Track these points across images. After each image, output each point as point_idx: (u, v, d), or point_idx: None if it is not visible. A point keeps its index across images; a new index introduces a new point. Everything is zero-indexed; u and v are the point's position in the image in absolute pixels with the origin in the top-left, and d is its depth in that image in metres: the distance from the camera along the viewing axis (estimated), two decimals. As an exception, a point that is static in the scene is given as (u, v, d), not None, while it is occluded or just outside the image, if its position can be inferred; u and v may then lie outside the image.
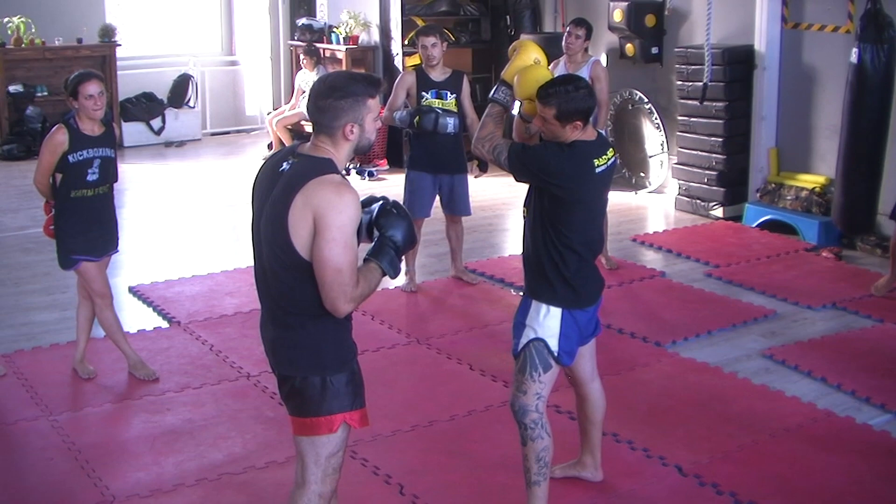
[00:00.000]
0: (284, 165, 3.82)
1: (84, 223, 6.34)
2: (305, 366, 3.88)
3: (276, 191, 3.78)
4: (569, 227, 4.62)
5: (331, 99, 3.78)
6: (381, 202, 4.06)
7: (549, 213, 4.62)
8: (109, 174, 6.42)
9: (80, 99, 6.19)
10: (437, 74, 8.25)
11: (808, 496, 5.22)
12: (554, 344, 4.69)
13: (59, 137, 6.20)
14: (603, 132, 8.56)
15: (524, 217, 4.85)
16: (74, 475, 5.50)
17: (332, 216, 3.64)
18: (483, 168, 8.59)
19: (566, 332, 4.70)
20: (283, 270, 3.79)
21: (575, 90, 4.57)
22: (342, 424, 3.92)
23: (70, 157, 6.19)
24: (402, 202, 8.00)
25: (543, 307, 4.69)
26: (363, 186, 12.31)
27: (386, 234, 3.95)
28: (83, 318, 6.69)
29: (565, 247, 4.65)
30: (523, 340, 4.71)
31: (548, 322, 4.68)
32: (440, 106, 8.13)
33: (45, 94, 14.23)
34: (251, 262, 4.00)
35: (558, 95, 4.57)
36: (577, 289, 4.70)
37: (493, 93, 5.04)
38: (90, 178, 6.28)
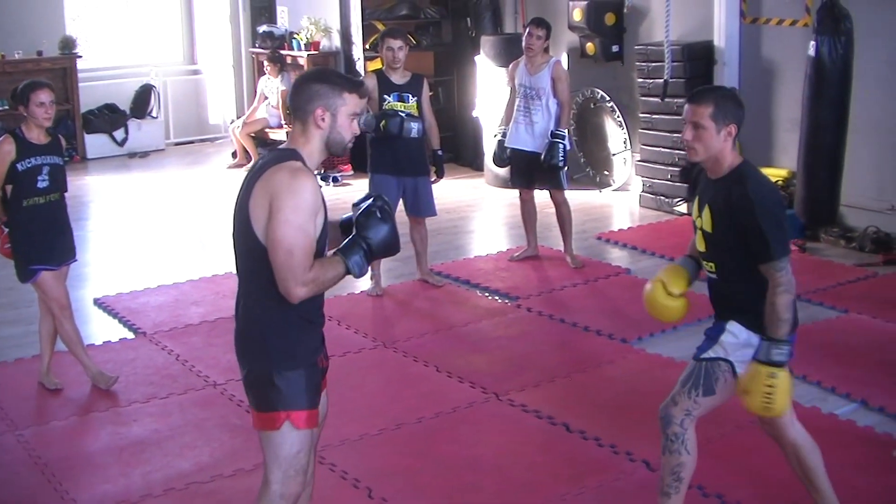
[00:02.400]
0: (259, 161, 3.92)
1: (39, 231, 6.32)
2: (254, 359, 3.92)
3: (244, 184, 3.87)
4: None
5: (310, 81, 3.86)
6: (369, 201, 4.04)
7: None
8: (59, 182, 6.41)
9: (30, 106, 6.19)
10: (398, 77, 8.25)
11: (776, 487, 5.24)
12: (741, 369, 4.43)
13: (5, 147, 6.20)
14: (564, 132, 8.63)
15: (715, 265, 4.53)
16: (42, 489, 5.47)
17: (286, 198, 3.66)
18: (440, 173, 8.60)
19: None
20: (245, 260, 3.87)
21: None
22: (286, 423, 3.88)
23: (19, 166, 6.19)
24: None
25: (744, 330, 4.43)
26: (328, 192, 12.27)
27: (362, 233, 3.93)
28: (46, 332, 6.66)
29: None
30: (710, 354, 4.48)
31: (744, 347, 4.43)
32: (403, 108, 8.14)
33: (6, 107, 14.11)
34: (216, 271, 4.05)
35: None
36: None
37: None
38: (41, 185, 6.27)
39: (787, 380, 4.29)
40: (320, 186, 3.81)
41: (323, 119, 3.82)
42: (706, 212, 4.42)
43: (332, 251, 3.94)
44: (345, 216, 4.15)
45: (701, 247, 4.52)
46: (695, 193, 4.59)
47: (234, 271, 4.07)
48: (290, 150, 3.86)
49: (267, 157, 3.89)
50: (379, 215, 3.97)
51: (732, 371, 4.43)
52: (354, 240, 3.92)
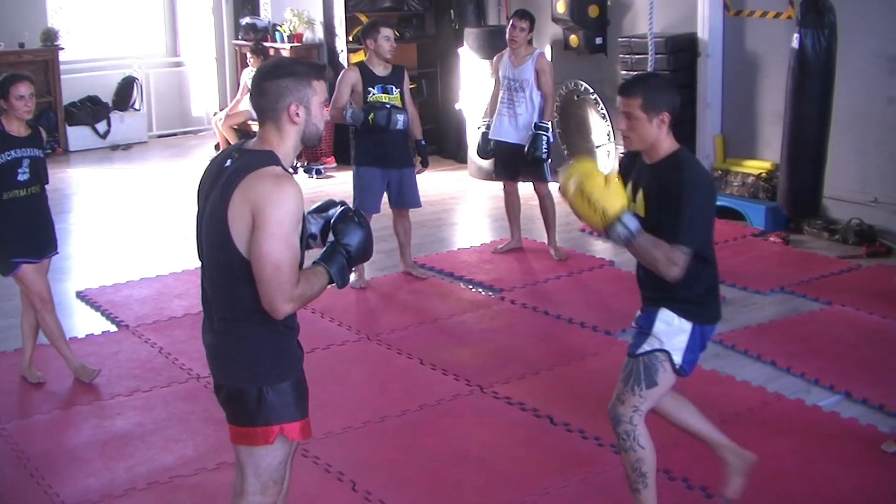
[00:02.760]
0: (228, 163, 3.68)
1: (20, 224, 6.30)
2: (241, 376, 3.75)
3: (217, 190, 3.63)
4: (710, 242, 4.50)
5: (274, 78, 3.65)
6: (341, 208, 3.93)
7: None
8: (40, 174, 6.38)
9: (10, 100, 6.17)
10: (381, 70, 8.23)
11: (760, 479, 5.23)
12: (678, 357, 4.48)
13: None
14: (548, 124, 8.62)
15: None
16: (24, 483, 5.45)
17: (271, 210, 3.48)
18: (425, 164, 8.59)
19: (692, 347, 4.52)
20: (221, 271, 3.66)
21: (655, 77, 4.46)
22: (279, 436, 3.77)
23: None
24: (351, 199, 8.05)
25: (676, 317, 4.45)
26: (311, 185, 12.27)
27: (341, 240, 3.81)
28: (27, 326, 6.64)
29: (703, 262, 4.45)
30: (646, 348, 4.47)
31: (677, 334, 4.46)
32: (387, 100, 8.12)
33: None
34: (199, 264, 3.88)
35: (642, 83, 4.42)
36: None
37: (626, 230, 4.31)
38: (21, 177, 6.24)
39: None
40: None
41: (297, 114, 3.66)
42: (640, 196, 4.41)
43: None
44: (310, 228, 3.95)
45: None
46: (627, 175, 4.55)
47: (201, 280, 3.86)
48: (265, 151, 3.65)
49: (240, 160, 3.65)
50: (357, 220, 3.88)
51: (670, 359, 4.46)
52: (334, 248, 3.80)
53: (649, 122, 4.33)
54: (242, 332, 3.73)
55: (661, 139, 4.38)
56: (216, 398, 3.95)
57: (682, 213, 4.24)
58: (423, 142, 8.60)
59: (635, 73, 10.74)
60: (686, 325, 4.44)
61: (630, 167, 4.58)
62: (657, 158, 4.40)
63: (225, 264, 3.63)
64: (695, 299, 4.44)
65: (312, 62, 3.86)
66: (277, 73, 3.68)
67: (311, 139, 3.75)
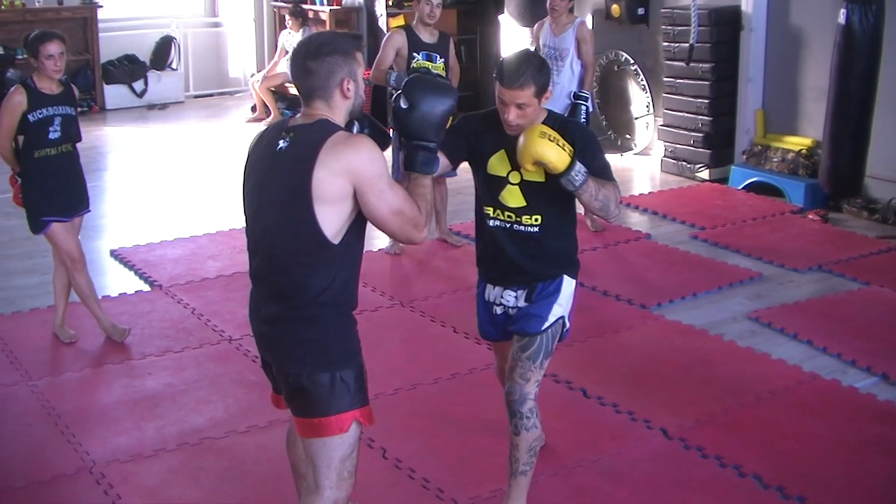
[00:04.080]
0: (281, 144, 3.56)
1: (51, 183, 6.28)
2: (313, 362, 3.62)
3: (281, 169, 3.53)
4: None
5: (322, 56, 3.56)
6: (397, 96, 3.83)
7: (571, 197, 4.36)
8: (72, 133, 6.35)
9: (39, 58, 6.14)
10: (428, 36, 8.13)
11: (793, 460, 5.19)
12: (569, 321, 4.55)
13: (16, 98, 6.14)
14: (587, 94, 8.53)
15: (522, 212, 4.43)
16: (54, 441, 5.45)
17: (368, 170, 3.46)
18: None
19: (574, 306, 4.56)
20: (295, 257, 3.54)
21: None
22: (353, 423, 3.68)
23: (30, 117, 6.13)
24: (389, 163, 7.99)
25: (571, 281, 4.49)
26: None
27: (412, 141, 3.76)
28: (60, 284, 6.63)
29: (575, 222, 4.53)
30: (551, 320, 4.43)
31: (571, 297, 4.49)
32: (431, 68, 8.03)
33: (26, 56, 14.06)
34: (234, 225, 3.82)
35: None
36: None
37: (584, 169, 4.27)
38: (52, 136, 6.22)
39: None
40: None
41: (349, 89, 3.59)
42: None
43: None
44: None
45: (517, 202, 4.38)
46: (473, 148, 4.46)
47: (254, 268, 3.75)
48: (320, 121, 3.56)
49: (297, 138, 3.53)
50: (418, 84, 3.80)
51: (564, 324, 4.50)
52: (409, 148, 3.76)
53: (539, 104, 4.27)
54: (314, 317, 3.62)
55: (539, 113, 4.34)
56: (279, 392, 3.85)
57: (596, 156, 4.33)
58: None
59: (677, 44, 10.67)
60: (574, 285, 4.54)
61: (476, 137, 4.48)
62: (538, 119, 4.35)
63: (301, 250, 3.52)
64: (574, 256, 4.56)
65: (351, 34, 3.80)
66: (325, 50, 3.58)
67: (358, 110, 3.70)
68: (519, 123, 4.25)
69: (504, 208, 4.42)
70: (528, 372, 4.40)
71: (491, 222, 4.47)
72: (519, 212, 4.39)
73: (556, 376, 6.04)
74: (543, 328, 4.41)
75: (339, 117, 3.62)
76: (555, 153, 4.07)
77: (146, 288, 7.73)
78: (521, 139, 4.15)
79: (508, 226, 4.43)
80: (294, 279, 3.57)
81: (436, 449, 5.32)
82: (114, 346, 6.60)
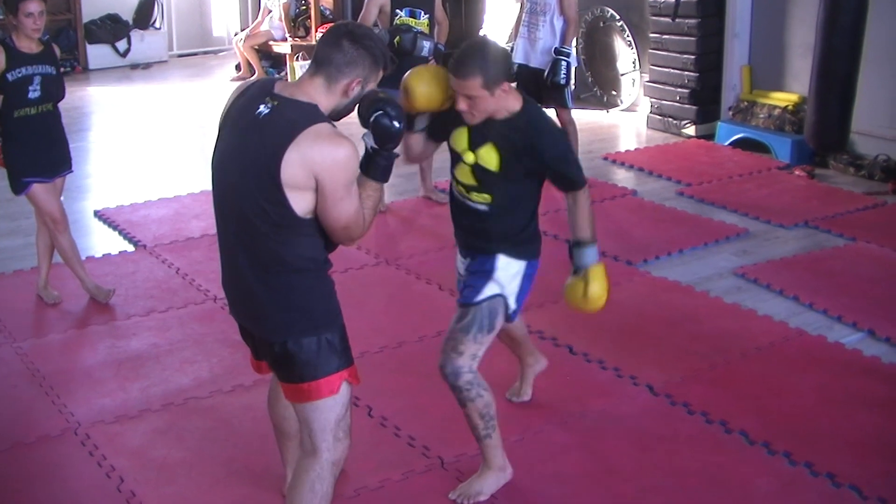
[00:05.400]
0: (262, 108, 3.46)
1: (32, 143, 6.21)
2: (299, 328, 3.59)
3: (256, 139, 3.43)
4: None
5: (360, 44, 3.50)
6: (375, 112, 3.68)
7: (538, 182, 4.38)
8: (53, 92, 6.27)
9: (19, 16, 6.05)
10: (412, -9, 8.07)
11: (780, 415, 5.19)
12: (513, 301, 4.50)
13: None
14: (569, 50, 8.45)
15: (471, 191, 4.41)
16: (39, 402, 5.43)
17: (337, 174, 3.38)
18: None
19: (525, 288, 4.55)
20: (270, 227, 3.47)
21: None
22: (343, 383, 3.68)
23: (9, 76, 6.06)
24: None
25: (513, 261, 4.45)
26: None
27: (380, 148, 3.68)
28: (42, 245, 6.59)
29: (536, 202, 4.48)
30: (487, 294, 4.41)
31: (514, 278, 4.47)
32: (414, 24, 7.97)
33: (4, 16, 13.95)
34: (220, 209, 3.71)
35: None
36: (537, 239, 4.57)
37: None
38: (32, 95, 6.14)
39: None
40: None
41: (353, 90, 3.54)
42: (489, 149, 4.27)
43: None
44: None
45: (468, 179, 4.36)
46: (443, 115, 4.39)
47: (221, 229, 3.70)
48: (310, 104, 3.45)
49: (280, 109, 3.43)
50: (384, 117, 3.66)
51: (505, 304, 4.44)
52: (375, 154, 3.68)
53: (491, 96, 4.14)
54: (294, 282, 3.58)
55: (507, 103, 4.24)
56: (261, 359, 3.86)
57: (564, 171, 4.34)
58: (441, 46, 8.33)
59: (664, 0, 10.61)
60: (521, 267, 4.46)
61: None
62: (505, 116, 4.25)
63: (274, 219, 3.45)
64: (528, 238, 4.49)
65: (391, 53, 3.73)
66: (365, 43, 3.52)
67: (340, 115, 3.62)
68: (472, 114, 4.19)
69: (458, 182, 4.43)
70: (461, 345, 4.36)
71: (452, 188, 4.51)
72: (469, 188, 4.39)
73: (542, 333, 6.03)
74: (476, 300, 4.39)
75: (330, 106, 3.52)
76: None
77: (130, 248, 7.69)
78: (592, 288, 4.48)
79: (461, 198, 4.45)
80: (270, 247, 3.52)
81: (421, 407, 5.30)
82: (98, 307, 6.56)
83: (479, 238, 4.46)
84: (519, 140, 4.22)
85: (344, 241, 3.61)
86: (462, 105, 4.17)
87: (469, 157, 4.31)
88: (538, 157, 4.22)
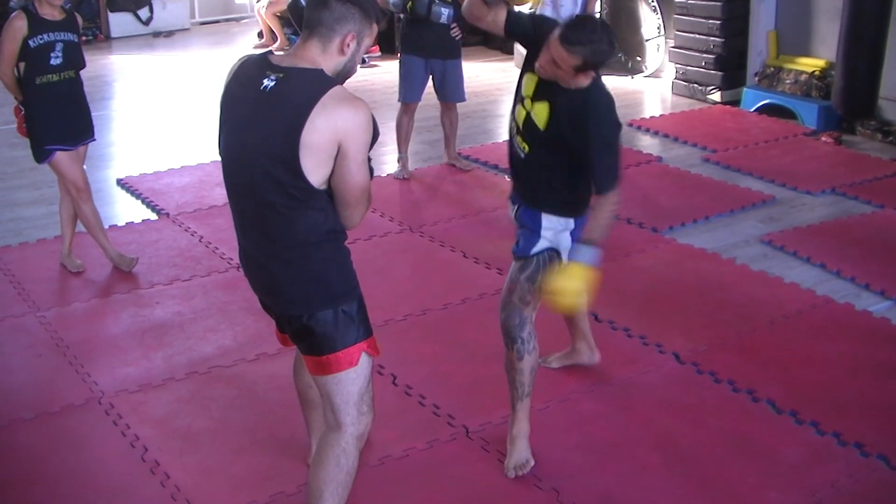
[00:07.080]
0: (266, 82, 3.38)
1: (54, 110, 6.18)
2: (316, 301, 3.54)
3: (269, 113, 3.36)
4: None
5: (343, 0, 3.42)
6: None
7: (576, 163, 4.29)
8: (74, 59, 6.24)
9: None
10: (427, -52, 8.00)
11: (806, 384, 5.15)
12: (565, 255, 4.46)
13: (17, 23, 6.03)
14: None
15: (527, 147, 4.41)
16: (63, 371, 5.42)
17: (361, 137, 3.33)
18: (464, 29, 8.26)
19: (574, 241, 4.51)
20: (283, 200, 3.40)
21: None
22: (363, 354, 3.64)
23: (31, 42, 6.02)
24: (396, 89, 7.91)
25: (558, 219, 4.43)
26: (355, 74, 12.10)
27: None
28: (66, 214, 6.58)
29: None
30: (540, 247, 4.43)
31: (562, 233, 4.45)
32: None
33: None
34: (232, 187, 3.66)
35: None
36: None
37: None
38: (53, 62, 6.10)
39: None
40: None
41: (348, 46, 3.43)
42: (543, 107, 4.25)
43: None
44: None
45: (520, 121, 4.38)
46: (531, 46, 4.36)
47: (235, 205, 3.65)
48: (316, 70, 3.38)
49: (288, 80, 3.36)
50: None
51: (559, 256, 4.44)
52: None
53: (575, 76, 4.12)
54: (311, 255, 3.53)
55: (579, 80, 4.17)
56: (284, 332, 3.82)
57: (606, 151, 4.19)
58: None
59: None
60: (566, 223, 4.44)
61: (536, 43, 4.29)
62: (572, 87, 4.19)
63: (290, 191, 3.38)
64: (572, 202, 4.45)
65: (381, 6, 3.64)
66: None
67: (343, 77, 3.51)
68: (545, 71, 4.16)
69: (513, 118, 4.47)
70: (526, 294, 4.39)
71: (509, 122, 4.55)
72: (518, 130, 4.42)
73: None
74: (531, 252, 4.42)
75: (329, 68, 3.43)
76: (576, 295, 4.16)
77: (153, 216, 7.67)
78: (559, 281, 4.15)
79: (512, 135, 4.49)
80: (282, 222, 3.46)
81: (446, 375, 5.28)
82: (121, 276, 6.55)
83: (523, 185, 4.52)
84: (573, 112, 4.17)
85: (356, 209, 3.50)
86: (544, 60, 4.15)
87: (528, 104, 4.32)
88: (582, 131, 4.13)
